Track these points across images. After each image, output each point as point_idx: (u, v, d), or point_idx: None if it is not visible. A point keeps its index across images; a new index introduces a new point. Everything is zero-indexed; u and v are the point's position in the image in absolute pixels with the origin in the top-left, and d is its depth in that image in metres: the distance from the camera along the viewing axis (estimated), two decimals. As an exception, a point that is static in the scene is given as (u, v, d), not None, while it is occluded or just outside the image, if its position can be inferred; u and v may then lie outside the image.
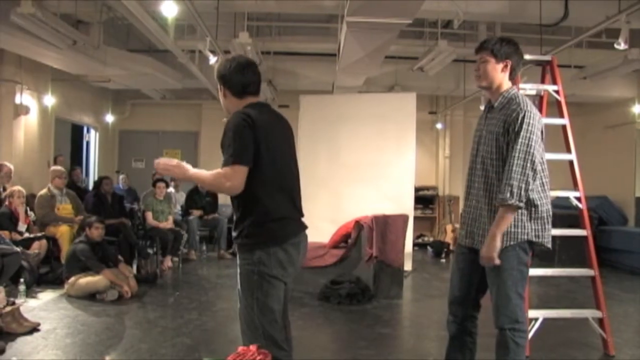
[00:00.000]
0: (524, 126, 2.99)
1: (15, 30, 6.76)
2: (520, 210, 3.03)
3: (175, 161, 2.77)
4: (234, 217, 2.89)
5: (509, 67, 3.23)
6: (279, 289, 2.82)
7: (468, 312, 3.37)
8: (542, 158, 3.08)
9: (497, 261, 2.99)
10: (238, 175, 2.66)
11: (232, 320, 5.63)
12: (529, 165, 2.97)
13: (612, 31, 7.24)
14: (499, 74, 3.24)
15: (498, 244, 2.98)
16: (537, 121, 3.04)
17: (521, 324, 3.13)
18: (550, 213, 3.20)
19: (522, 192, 2.95)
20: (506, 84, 3.26)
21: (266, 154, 2.73)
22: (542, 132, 3.11)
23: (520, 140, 2.99)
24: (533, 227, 3.11)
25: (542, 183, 3.13)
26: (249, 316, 2.79)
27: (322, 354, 4.81)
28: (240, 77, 2.88)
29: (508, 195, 2.95)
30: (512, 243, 3.05)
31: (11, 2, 6.45)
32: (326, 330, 5.61)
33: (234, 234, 2.87)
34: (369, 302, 6.59)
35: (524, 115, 3.01)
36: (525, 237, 3.08)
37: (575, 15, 7.58)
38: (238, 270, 2.85)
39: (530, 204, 3.07)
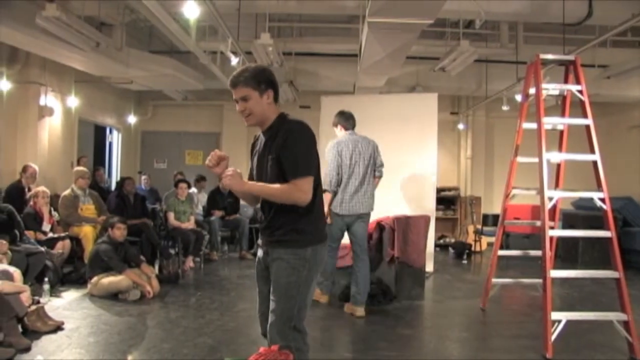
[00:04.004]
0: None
1: (39, 33, 6.84)
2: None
3: (232, 170, 2.79)
4: (278, 214, 2.88)
5: None
6: (314, 286, 2.93)
7: None
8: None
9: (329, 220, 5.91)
10: (309, 186, 2.80)
11: (254, 320, 5.62)
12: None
13: (637, 29, 7.16)
14: None
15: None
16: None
17: None
18: (345, 198, 5.94)
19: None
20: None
21: (317, 161, 2.90)
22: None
23: None
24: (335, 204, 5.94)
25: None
26: (286, 309, 2.81)
27: (343, 354, 4.81)
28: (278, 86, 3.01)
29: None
30: None
31: (36, 5, 6.54)
32: (347, 331, 5.60)
33: (280, 230, 2.88)
34: (391, 303, 6.57)
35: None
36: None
37: (600, 14, 7.48)
38: (281, 265, 2.85)
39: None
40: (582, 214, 10.21)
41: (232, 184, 2.77)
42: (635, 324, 4.78)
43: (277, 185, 2.78)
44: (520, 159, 6.08)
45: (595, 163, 5.11)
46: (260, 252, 3.06)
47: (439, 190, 10.61)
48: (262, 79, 2.86)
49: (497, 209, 9.36)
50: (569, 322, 4.74)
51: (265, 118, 2.90)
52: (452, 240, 12.18)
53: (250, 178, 3.07)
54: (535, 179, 5.16)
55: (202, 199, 10.67)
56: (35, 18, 6.28)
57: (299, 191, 2.75)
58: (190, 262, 8.56)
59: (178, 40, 8.02)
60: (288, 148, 2.77)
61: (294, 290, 2.82)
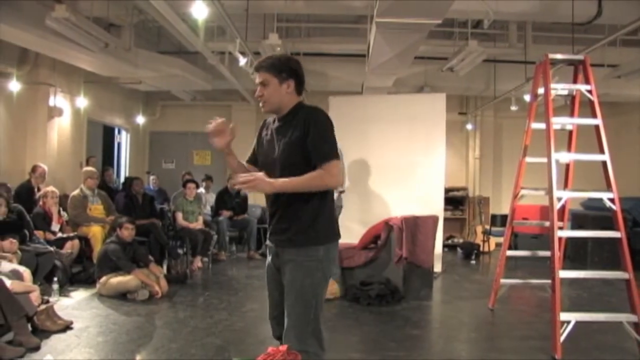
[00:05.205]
0: None
1: (49, 34, 6.87)
2: None
3: (254, 175, 2.68)
4: (287, 213, 2.81)
5: None
6: (327, 285, 2.86)
7: None
8: None
9: None
10: (338, 169, 2.75)
11: (262, 320, 5.64)
12: None
13: (647, 29, 7.11)
14: None
15: None
16: None
17: None
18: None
19: None
20: None
21: None
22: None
23: None
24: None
25: None
26: (303, 313, 2.73)
27: (351, 354, 4.80)
28: (304, 79, 2.96)
29: None
30: None
31: (45, 6, 6.57)
32: (356, 331, 5.59)
33: (291, 229, 2.80)
34: (399, 304, 6.57)
35: None
36: None
37: (609, 13, 7.42)
38: (294, 268, 2.77)
39: None
40: (591, 215, 10.15)
41: (261, 188, 2.66)
42: (645, 325, 4.75)
43: (306, 176, 2.69)
44: (528, 159, 6.05)
45: (604, 163, 5.08)
46: (269, 256, 2.97)
47: (447, 191, 10.59)
48: (284, 68, 2.84)
49: (505, 209, 9.32)
50: (578, 323, 4.71)
51: (283, 106, 2.88)
52: (461, 241, 12.16)
53: (252, 161, 3.16)
54: (544, 179, 5.14)
55: (210, 199, 10.70)
56: (45, 19, 6.32)
57: (331, 175, 2.70)
58: (198, 262, 8.58)
59: (186, 40, 8.03)
60: (314, 133, 2.74)
61: (310, 293, 2.74)
